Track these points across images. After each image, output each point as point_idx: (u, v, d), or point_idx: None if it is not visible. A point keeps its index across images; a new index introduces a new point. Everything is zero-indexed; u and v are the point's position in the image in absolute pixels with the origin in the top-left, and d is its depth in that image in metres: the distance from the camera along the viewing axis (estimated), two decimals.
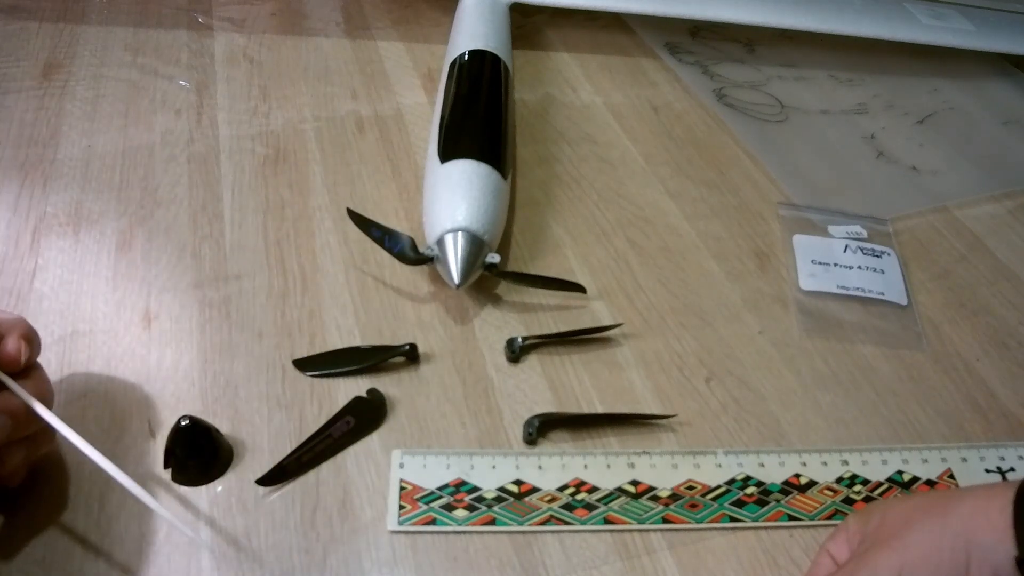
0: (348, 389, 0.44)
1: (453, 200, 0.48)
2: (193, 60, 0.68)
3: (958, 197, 0.59)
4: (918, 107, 0.68)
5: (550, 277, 0.50)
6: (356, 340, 0.47)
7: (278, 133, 0.61)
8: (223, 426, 0.42)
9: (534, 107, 0.65)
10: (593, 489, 0.40)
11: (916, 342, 0.49)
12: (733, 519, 0.40)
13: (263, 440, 0.42)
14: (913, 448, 0.43)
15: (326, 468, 0.41)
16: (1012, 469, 0.42)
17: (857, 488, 0.41)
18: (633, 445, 0.43)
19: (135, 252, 0.51)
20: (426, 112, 0.63)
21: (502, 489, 0.40)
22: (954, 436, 0.44)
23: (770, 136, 0.64)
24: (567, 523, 0.39)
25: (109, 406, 0.43)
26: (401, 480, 0.40)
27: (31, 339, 0.37)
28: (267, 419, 0.43)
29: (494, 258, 0.47)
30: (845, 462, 0.42)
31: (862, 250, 0.54)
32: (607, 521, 0.39)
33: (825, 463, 0.42)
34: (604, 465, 0.42)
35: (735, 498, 0.40)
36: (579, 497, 0.40)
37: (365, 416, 0.43)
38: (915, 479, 0.42)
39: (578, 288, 0.49)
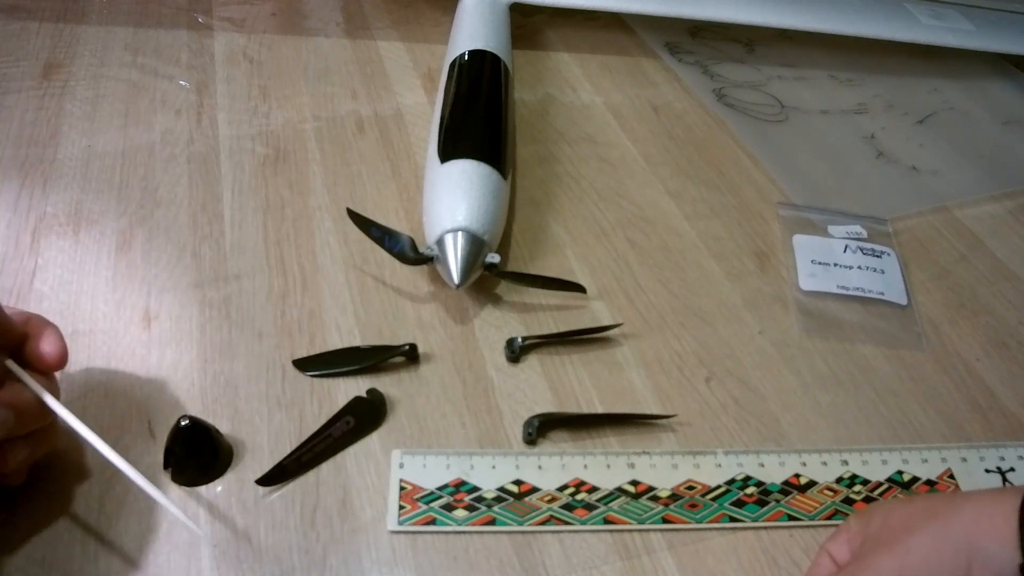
0: (348, 389, 0.44)
1: (453, 200, 0.48)
2: (193, 60, 0.68)
3: (958, 197, 0.59)
4: (918, 107, 0.68)
5: (550, 277, 0.50)
6: (356, 340, 0.47)
7: (278, 133, 0.61)
8: (223, 426, 0.42)
9: (534, 107, 0.65)
10: (593, 489, 0.40)
11: (916, 342, 0.49)
12: (733, 519, 0.40)
13: (263, 440, 0.42)
14: (913, 448, 0.43)
15: (326, 468, 0.41)
16: (1012, 469, 0.42)
17: (857, 488, 0.41)
18: (633, 445, 0.43)
19: (135, 252, 0.51)
20: (426, 112, 0.63)
21: (502, 489, 0.40)
22: (954, 436, 0.44)
23: (770, 136, 0.64)
24: (567, 523, 0.39)
25: (109, 406, 0.43)
26: (401, 480, 0.40)
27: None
28: (267, 419, 0.43)
29: (494, 258, 0.47)
30: (845, 462, 0.42)
31: (862, 250, 0.54)
32: (607, 521, 0.39)
33: (825, 463, 0.42)
34: (604, 465, 0.42)
35: (735, 498, 0.40)
36: (579, 497, 0.40)
37: (365, 416, 0.43)
38: (915, 479, 0.42)
39: (578, 288, 0.49)
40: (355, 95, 0.65)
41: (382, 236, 0.49)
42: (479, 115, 0.55)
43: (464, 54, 0.60)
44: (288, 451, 0.41)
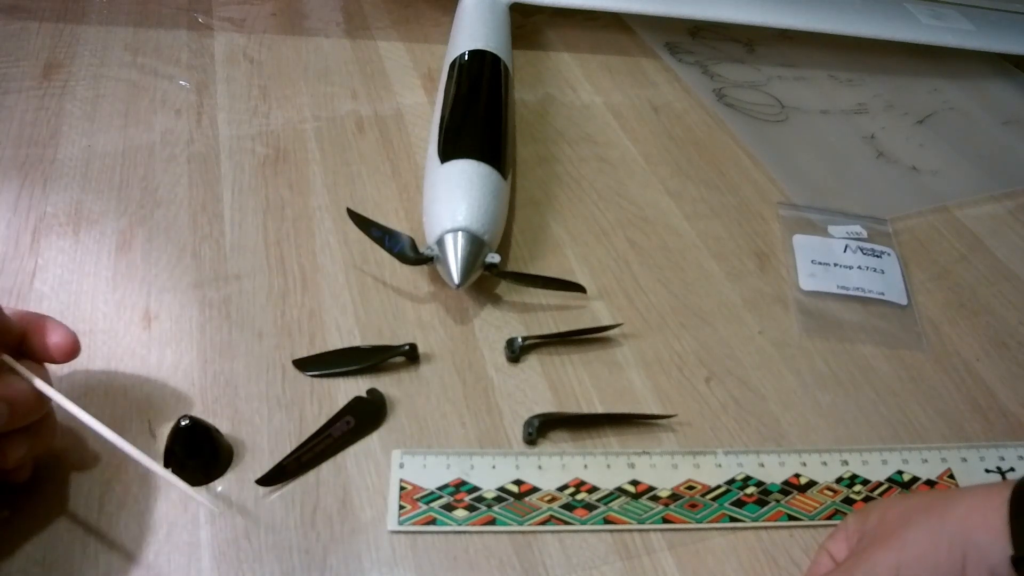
0: (348, 389, 0.44)
1: (453, 200, 0.48)
2: (193, 60, 0.68)
3: (958, 197, 0.59)
4: (918, 107, 0.68)
5: (550, 277, 0.50)
6: (356, 340, 0.47)
7: (278, 133, 0.61)
8: (223, 426, 0.42)
9: (534, 107, 0.65)
10: (593, 489, 0.40)
11: (916, 342, 0.49)
12: (733, 519, 0.40)
13: (263, 440, 0.42)
14: (913, 448, 0.43)
15: (326, 468, 0.41)
16: (1012, 469, 0.42)
17: (857, 488, 0.41)
18: (633, 445, 0.43)
19: (135, 252, 0.51)
20: (426, 112, 0.63)
21: (502, 489, 0.40)
22: (954, 436, 0.44)
23: (770, 136, 0.64)
24: (567, 523, 0.39)
25: (109, 406, 0.43)
26: (401, 480, 0.40)
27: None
28: (267, 419, 0.43)
29: (494, 258, 0.47)
30: (845, 462, 0.42)
31: (862, 250, 0.54)
32: (607, 521, 0.39)
33: (825, 463, 0.42)
34: (604, 465, 0.42)
35: (735, 498, 0.40)
36: (579, 497, 0.40)
37: (365, 416, 0.43)
38: (915, 479, 0.42)
39: (578, 288, 0.49)
40: (355, 95, 0.65)
41: (382, 236, 0.49)
42: (479, 115, 0.55)
43: (464, 54, 0.60)
44: (288, 451, 0.41)
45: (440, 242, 0.47)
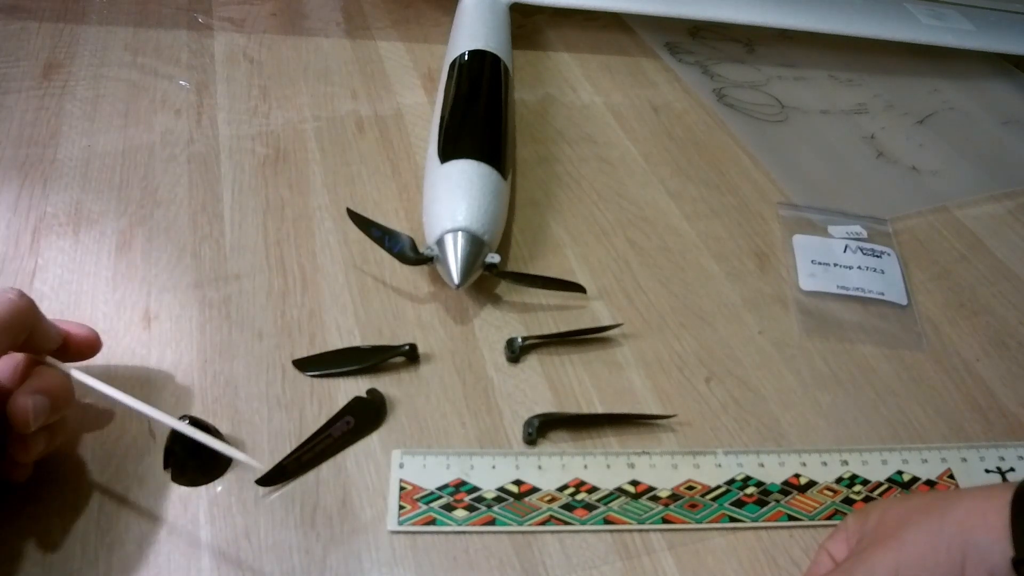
0: (348, 389, 0.44)
1: (453, 200, 0.48)
2: (193, 60, 0.68)
3: (958, 197, 0.59)
4: (918, 107, 0.68)
5: (550, 277, 0.50)
6: (356, 340, 0.47)
7: (278, 133, 0.61)
8: (223, 426, 0.42)
9: (534, 107, 0.65)
10: (593, 489, 0.40)
11: (916, 342, 0.49)
12: (733, 519, 0.40)
13: (263, 440, 0.42)
14: (913, 448, 0.43)
15: (326, 468, 0.41)
16: (1012, 469, 0.42)
17: (857, 488, 0.41)
18: (633, 445, 0.43)
19: (135, 252, 0.51)
20: (426, 112, 0.63)
21: (502, 489, 0.40)
22: (954, 436, 0.44)
23: (770, 136, 0.64)
24: (567, 523, 0.39)
25: (109, 406, 0.43)
26: (401, 480, 0.40)
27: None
28: (267, 419, 0.43)
29: (494, 258, 0.47)
30: (845, 462, 0.42)
31: (862, 250, 0.54)
32: (607, 521, 0.39)
33: (825, 463, 0.42)
34: (604, 465, 0.42)
35: (735, 498, 0.40)
36: (579, 497, 0.40)
37: (365, 416, 0.43)
38: (915, 479, 0.42)
39: (578, 288, 0.49)
40: (355, 95, 0.65)
41: (382, 236, 0.49)
42: (479, 115, 0.55)
43: (464, 54, 0.60)
44: (288, 451, 0.41)
45: (440, 242, 0.47)
